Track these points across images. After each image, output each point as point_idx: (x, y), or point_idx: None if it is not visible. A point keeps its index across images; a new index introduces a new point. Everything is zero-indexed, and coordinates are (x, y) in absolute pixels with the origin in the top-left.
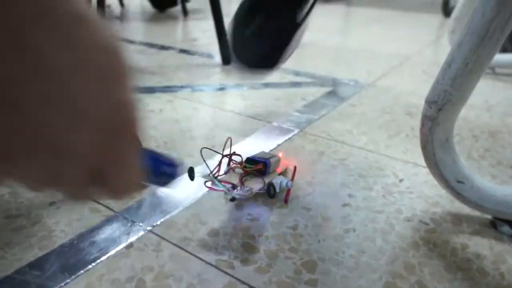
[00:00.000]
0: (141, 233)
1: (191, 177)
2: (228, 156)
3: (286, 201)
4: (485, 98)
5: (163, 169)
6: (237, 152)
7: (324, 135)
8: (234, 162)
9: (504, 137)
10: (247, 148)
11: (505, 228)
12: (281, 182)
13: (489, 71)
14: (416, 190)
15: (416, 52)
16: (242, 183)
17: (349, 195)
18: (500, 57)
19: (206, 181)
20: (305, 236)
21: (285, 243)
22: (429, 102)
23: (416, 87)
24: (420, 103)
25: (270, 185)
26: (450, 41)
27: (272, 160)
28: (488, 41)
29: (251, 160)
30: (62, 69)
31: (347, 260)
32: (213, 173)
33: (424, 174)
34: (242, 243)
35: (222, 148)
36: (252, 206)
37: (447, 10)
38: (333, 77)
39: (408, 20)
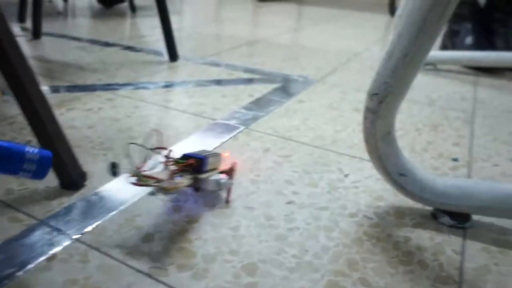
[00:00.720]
0: (67, 242)
1: (114, 173)
2: (161, 152)
3: (227, 201)
4: (427, 93)
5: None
6: (173, 149)
7: (270, 132)
8: (168, 158)
9: (445, 130)
10: (190, 146)
11: (445, 219)
12: (218, 180)
13: (430, 67)
14: (361, 185)
15: (364, 49)
16: (172, 178)
17: (294, 192)
18: (441, 54)
19: (130, 177)
20: (247, 237)
21: (225, 246)
22: (371, 94)
23: (363, 83)
24: None
25: (196, 179)
26: None
27: (210, 157)
28: (425, 32)
29: (185, 156)
30: None
31: (289, 260)
32: (139, 168)
33: (369, 168)
34: (178, 248)
35: (150, 143)
36: (191, 208)
37: (393, 10)
38: (282, 74)
39: (357, 19)
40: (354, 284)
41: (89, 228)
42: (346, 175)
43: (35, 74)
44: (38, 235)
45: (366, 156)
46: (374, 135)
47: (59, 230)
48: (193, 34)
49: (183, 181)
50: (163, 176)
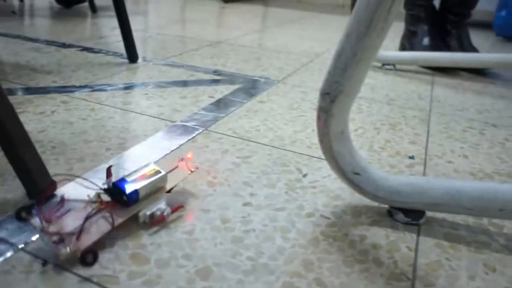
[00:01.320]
0: (9, 253)
1: (19, 218)
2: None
3: (153, 223)
4: (387, 92)
5: None
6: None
7: (230, 133)
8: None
9: (403, 128)
10: (146, 150)
11: (400, 216)
12: (153, 213)
13: (390, 67)
14: (319, 185)
15: (326, 50)
16: (81, 231)
17: (251, 194)
18: (400, 54)
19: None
20: (201, 241)
21: (179, 250)
22: (323, 93)
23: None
24: None
25: (87, 253)
26: None
27: (145, 184)
28: (373, 30)
29: (115, 187)
30: None
31: (244, 263)
32: (48, 212)
33: (327, 168)
34: (131, 254)
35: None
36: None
37: None
38: (244, 75)
39: (321, 21)
40: (309, 285)
41: (34, 238)
42: (304, 175)
43: None
44: None
45: None
46: (328, 135)
47: (3, 240)
48: (156, 35)
49: (92, 238)
50: (75, 223)
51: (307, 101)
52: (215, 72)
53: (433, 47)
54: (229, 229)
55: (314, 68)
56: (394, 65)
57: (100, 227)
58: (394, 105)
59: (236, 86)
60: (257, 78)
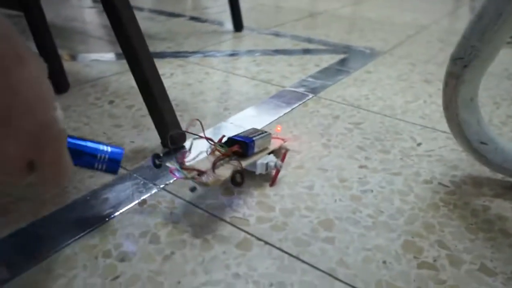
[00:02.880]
0: (154, 190)
1: (156, 165)
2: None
3: (271, 184)
4: (505, 67)
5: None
6: (221, 136)
7: (339, 100)
8: (212, 144)
9: None
10: (258, 113)
11: None
12: (268, 163)
13: (510, 40)
14: (434, 154)
15: (433, 22)
16: (214, 168)
17: (366, 158)
18: None
19: (170, 168)
20: (321, 196)
21: (301, 202)
22: (455, 58)
23: (433, 55)
24: (438, 71)
25: (236, 173)
26: (471, 9)
27: (258, 139)
28: None
29: (230, 141)
30: None
31: (364, 219)
32: (180, 159)
33: (443, 139)
34: (257, 202)
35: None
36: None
37: None
38: (348, 45)
39: None
40: (431, 245)
41: (171, 180)
42: (418, 144)
43: (109, 41)
44: (128, 184)
45: (439, 126)
46: (455, 101)
47: (145, 180)
48: (257, 5)
49: (224, 173)
50: (205, 165)
51: (416, 73)
52: (319, 42)
53: None
54: (347, 188)
55: (421, 40)
56: None
57: (227, 168)
58: None
59: (341, 56)
60: (362, 49)
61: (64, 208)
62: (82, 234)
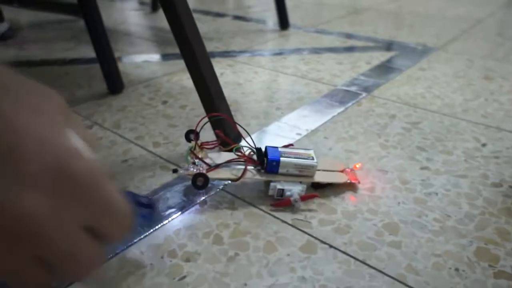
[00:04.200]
0: (214, 191)
1: (188, 139)
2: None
3: (273, 204)
4: None
5: (140, 211)
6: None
7: (394, 99)
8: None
9: None
10: (310, 112)
11: None
12: (284, 190)
13: None
14: (502, 155)
15: (488, 15)
16: (217, 166)
17: (427, 159)
18: None
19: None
20: (384, 198)
21: (363, 205)
22: None
23: (492, 50)
24: (498, 67)
25: (198, 176)
26: None
27: (289, 161)
28: None
29: (260, 151)
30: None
31: (431, 223)
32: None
33: (509, 139)
34: (318, 204)
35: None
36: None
37: None
38: (398, 41)
39: None
40: (508, 254)
41: (230, 182)
42: (483, 145)
43: (157, 42)
44: (188, 183)
45: (505, 126)
46: None
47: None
48: (299, 3)
49: (218, 174)
50: (218, 159)
51: (474, 69)
52: (368, 38)
53: None
54: (410, 190)
55: (477, 35)
56: None
57: (227, 172)
58: None
59: (392, 53)
60: (413, 46)
61: None
62: (146, 234)
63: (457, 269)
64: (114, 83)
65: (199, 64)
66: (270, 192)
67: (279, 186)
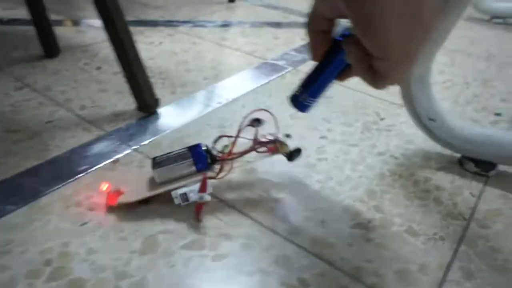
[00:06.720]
0: (127, 151)
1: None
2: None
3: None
4: (487, 47)
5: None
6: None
7: None
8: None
9: (496, 86)
10: (237, 83)
11: (470, 166)
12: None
13: (500, 21)
14: (394, 128)
15: None
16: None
17: (328, 129)
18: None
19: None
20: (280, 161)
21: (260, 166)
22: None
23: None
24: None
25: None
26: None
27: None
28: None
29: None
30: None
31: (313, 184)
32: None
33: (406, 114)
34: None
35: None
36: None
37: None
38: None
39: None
40: (369, 209)
41: (146, 142)
42: (382, 119)
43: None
44: (105, 144)
45: None
46: (409, 80)
47: (121, 141)
48: None
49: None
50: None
51: None
52: None
53: None
54: (305, 156)
55: None
56: (504, 18)
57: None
58: (492, 61)
59: None
60: None
61: (45, 163)
62: (59, 186)
63: (323, 221)
64: (50, 46)
65: (118, 31)
66: (176, 202)
67: (180, 192)
